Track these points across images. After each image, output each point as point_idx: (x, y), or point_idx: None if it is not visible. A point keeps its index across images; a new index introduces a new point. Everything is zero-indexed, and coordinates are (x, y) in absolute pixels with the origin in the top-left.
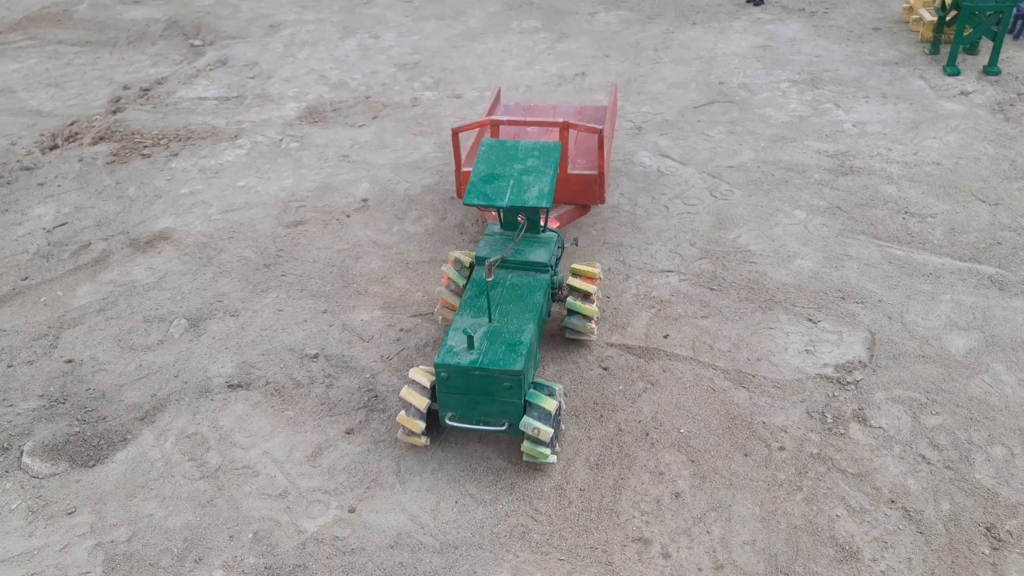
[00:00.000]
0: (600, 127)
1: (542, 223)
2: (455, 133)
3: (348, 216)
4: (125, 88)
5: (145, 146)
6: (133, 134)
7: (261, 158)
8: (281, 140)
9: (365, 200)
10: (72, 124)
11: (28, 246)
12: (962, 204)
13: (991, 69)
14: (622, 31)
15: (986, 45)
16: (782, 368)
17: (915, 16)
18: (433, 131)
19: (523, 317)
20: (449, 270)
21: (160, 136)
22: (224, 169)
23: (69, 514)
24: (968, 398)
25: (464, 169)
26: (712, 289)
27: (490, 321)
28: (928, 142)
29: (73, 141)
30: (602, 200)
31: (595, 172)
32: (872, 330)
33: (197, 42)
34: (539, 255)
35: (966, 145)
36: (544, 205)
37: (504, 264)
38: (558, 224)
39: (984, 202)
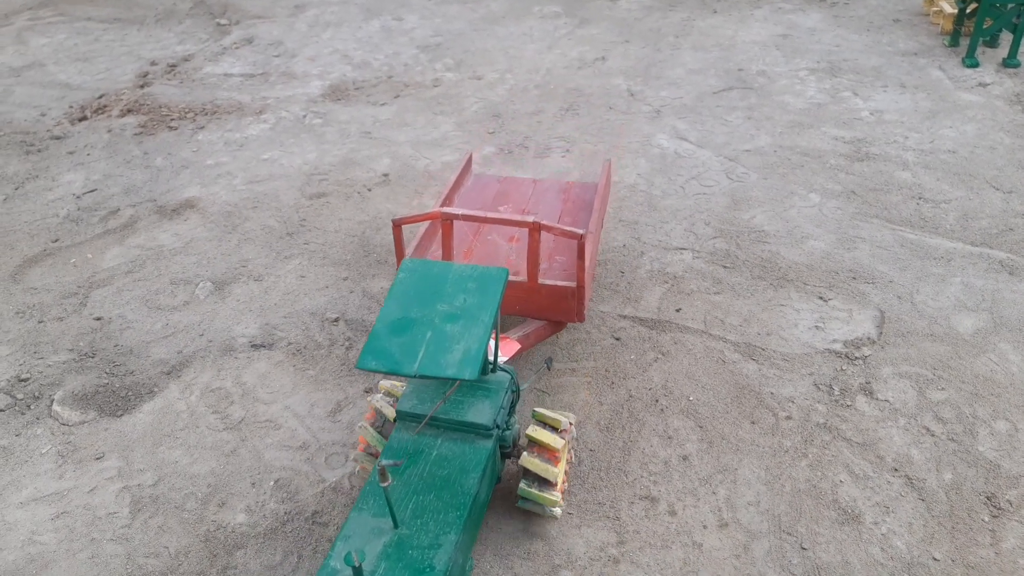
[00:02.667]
0: (581, 232)
1: (491, 358)
2: (396, 226)
3: (369, 190)
4: (152, 64)
5: (172, 119)
6: (160, 107)
7: (285, 133)
8: (305, 116)
9: (386, 175)
10: (101, 97)
11: (58, 210)
12: (976, 191)
13: (1010, 61)
14: (643, 18)
15: (1006, 38)
16: (791, 343)
17: (936, 8)
18: (453, 111)
19: (445, 519)
20: (366, 432)
21: (187, 110)
22: (249, 142)
23: (97, 459)
24: (974, 375)
25: None
26: (725, 267)
27: (396, 527)
28: (944, 131)
29: (102, 113)
30: (581, 318)
31: (572, 284)
32: (882, 309)
33: (223, 21)
34: (481, 412)
35: (982, 135)
36: (466, 376)
37: (434, 421)
38: (518, 349)
39: (998, 190)
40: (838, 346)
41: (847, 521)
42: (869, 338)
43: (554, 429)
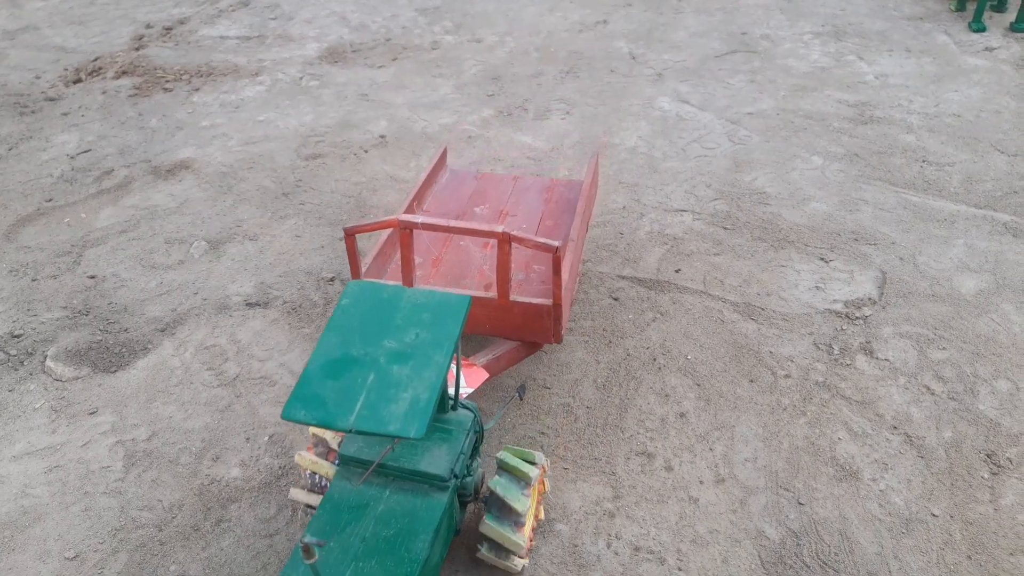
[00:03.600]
0: (556, 244)
1: (451, 392)
2: (349, 235)
3: (366, 151)
4: (148, 27)
5: (167, 81)
6: (155, 69)
7: (281, 95)
8: (301, 78)
9: (383, 137)
10: (95, 60)
11: (52, 170)
12: (980, 154)
13: (1018, 26)
14: None
15: (1014, 2)
16: (791, 303)
17: None
18: (452, 74)
19: None
20: (309, 463)
21: (182, 72)
22: (245, 104)
23: (91, 414)
24: (976, 335)
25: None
26: (726, 228)
27: None
28: (950, 95)
29: (96, 75)
30: (558, 339)
31: (548, 302)
32: (883, 270)
33: None
34: (436, 459)
35: (988, 99)
36: (411, 435)
37: (382, 468)
38: (486, 378)
39: (1003, 153)
40: (839, 306)
41: (845, 477)
42: (870, 298)
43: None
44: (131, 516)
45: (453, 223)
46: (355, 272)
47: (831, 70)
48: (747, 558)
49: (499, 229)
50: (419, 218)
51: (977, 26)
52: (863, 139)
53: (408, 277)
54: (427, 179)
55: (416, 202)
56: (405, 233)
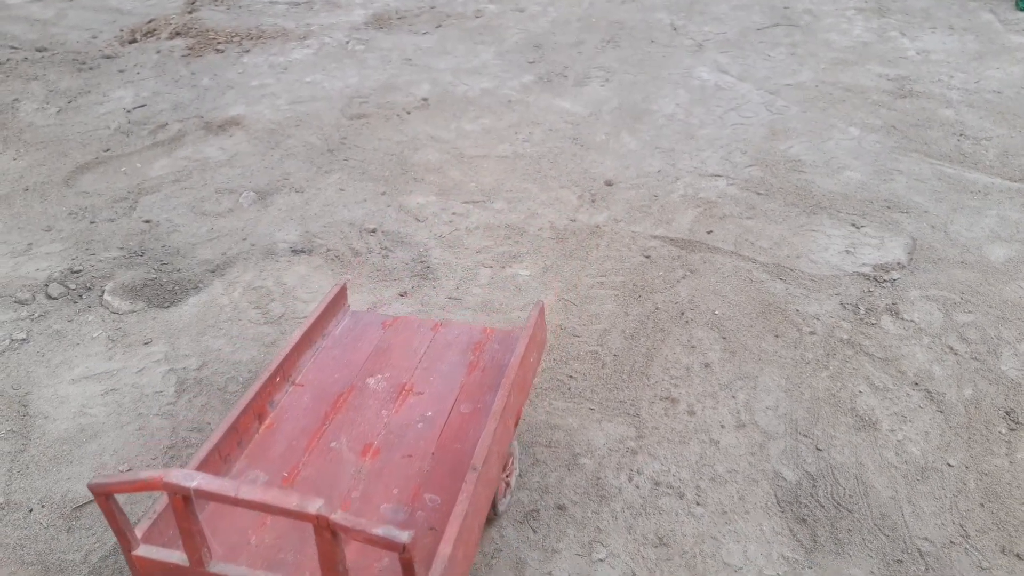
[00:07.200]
0: (403, 539)
1: None
2: (100, 495)
3: (408, 113)
4: None
5: (219, 43)
6: (207, 31)
7: (328, 58)
8: (347, 42)
9: (425, 99)
10: (150, 21)
11: (110, 122)
12: (1019, 130)
13: None
14: None
15: None
16: (821, 265)
17: None
18: (494, 41)
19: None
20: None
21: (233, 34)
22: (292, 66)
23: (145, 344)
24: (1003, 300)
25: (139, 553)
26: (759, 193)
27: None
28: (991, 72)
29: (151, 36)
30: None
31: None
32: (914, 237)
33: None
34: None
35: None
36: None
37: None
38: None
39: None
40: (867, 269)
41: (863, 427)
42: (899, 263)
43: None
44: (182, 436)
45: (244, 493)
46: (123, 543)
47: (873, 45)
48: (763, 496)
49: (313, 509)
50: (195, 478)
51: None
52: (901, 112)
53: (195, 556)
54: (306, 334)
55: (288, 363)
56: (177, 500)
